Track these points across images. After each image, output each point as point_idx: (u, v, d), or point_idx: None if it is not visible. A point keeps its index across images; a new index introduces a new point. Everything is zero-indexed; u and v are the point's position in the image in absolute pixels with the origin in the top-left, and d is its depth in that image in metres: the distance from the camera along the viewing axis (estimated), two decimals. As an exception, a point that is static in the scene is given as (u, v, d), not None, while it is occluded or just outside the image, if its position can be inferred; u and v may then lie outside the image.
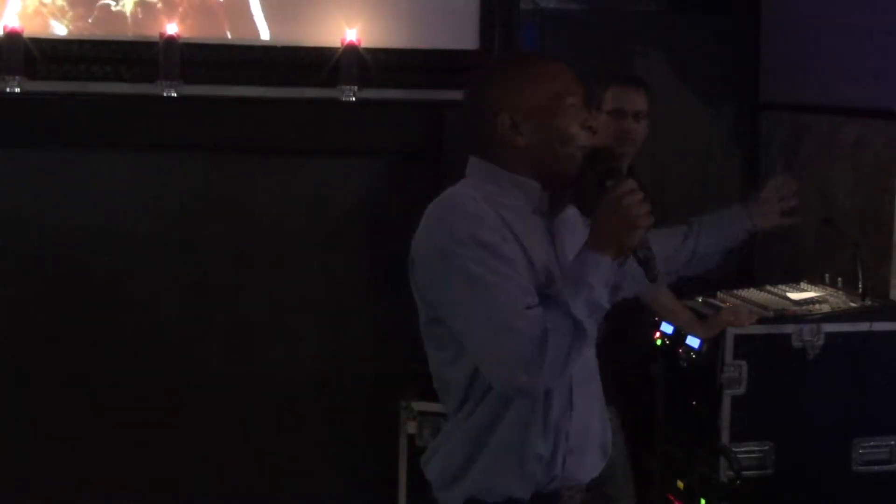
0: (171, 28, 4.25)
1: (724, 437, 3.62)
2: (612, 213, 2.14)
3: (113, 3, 4.32)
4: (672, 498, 3.87)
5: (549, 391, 2.18)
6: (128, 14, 4.33)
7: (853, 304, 3.85)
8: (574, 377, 2.24)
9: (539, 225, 2.25)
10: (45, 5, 4.30)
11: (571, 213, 2.37)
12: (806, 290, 4.02)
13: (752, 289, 4.05)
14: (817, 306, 3.80)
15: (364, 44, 4.37)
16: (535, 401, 2.17)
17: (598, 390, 2.37)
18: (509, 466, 2.21)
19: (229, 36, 4.42)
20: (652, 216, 2.15)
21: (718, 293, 3.94)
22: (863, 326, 3.70)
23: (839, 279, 4.03)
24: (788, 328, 3.65)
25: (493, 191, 2.20)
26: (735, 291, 3.99)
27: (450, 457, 2.27)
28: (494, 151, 2.23)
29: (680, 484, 3.83)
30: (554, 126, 2.21)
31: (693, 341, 3.71)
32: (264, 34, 4.43)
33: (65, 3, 4.31)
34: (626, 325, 3.69)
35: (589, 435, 2.30)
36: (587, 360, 2.29)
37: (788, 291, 3.99)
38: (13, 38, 4.16)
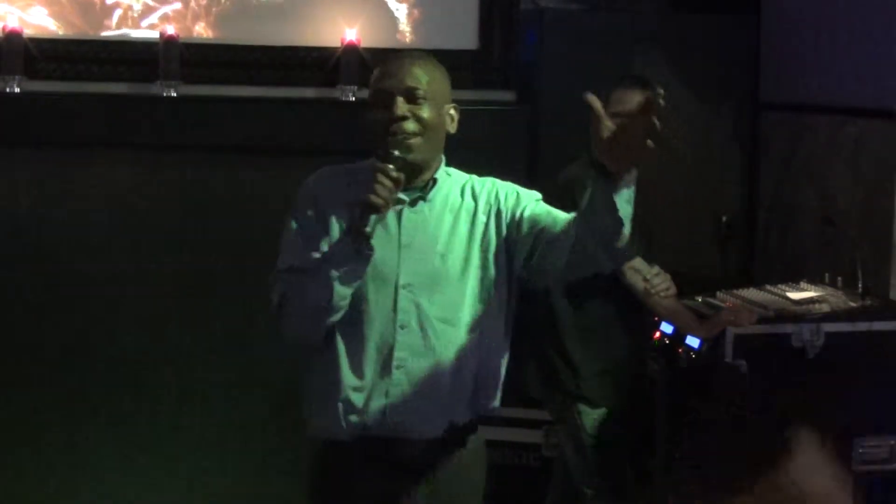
0: (171, 28, 4.25)
1: (724, 437, 3.62)
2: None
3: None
4: (672, 498, 3.87)
5: (361, 343, 2.47)
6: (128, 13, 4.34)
7: (853, 304, 3.85)
8: (400, 337, 2.46)
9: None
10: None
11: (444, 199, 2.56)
12: (806, 290, 4.02)
13: (752, 289, 4.05)
14: (817, 306, 3.80)
15: (364, 44, 4.37)
16: (312, 348, 2.51)
17: (447, 366, 2.49)
18: (322, 409, 2.52)
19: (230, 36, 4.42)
20: (383, 203, 2.36)
21: (718, 293, 3.94)
22: (863, 326, 3.70)
23: (839, 279, 4.03)
24: (788, 328, 3.65)
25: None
26: (735, 291, 3.99)
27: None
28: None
29: (680, 484, 3.83)
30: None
31: (693, 341, 3.71)
32: (265, 34, 4.43)
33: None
34: (625, 324, 3.71)
35: (423, 395, 2.47)
36: (429, 321, 2.47)
37: (788, 291, 3.99)
38: (13, 38, 4.16)
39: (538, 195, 2.58)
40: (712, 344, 3.64)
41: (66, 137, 4.28)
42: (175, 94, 4.27)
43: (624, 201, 2.29)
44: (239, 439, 4.41)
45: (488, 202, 2.55)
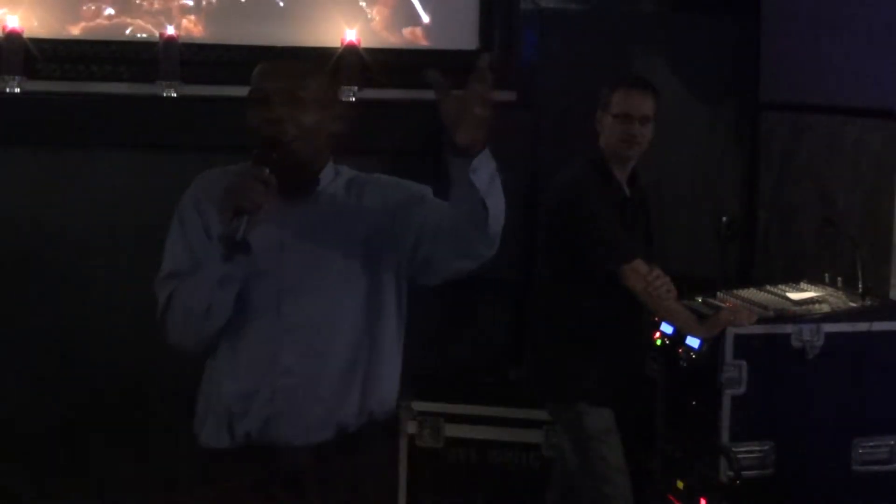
0: (171, 28, 4.25)
1: (724, 437, 3.62)
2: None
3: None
4: (672, 498, 3.87)
5: (245, 349, 2.42)
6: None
7: (853, 304, 3.85)
8: (285, 341, 2.41)
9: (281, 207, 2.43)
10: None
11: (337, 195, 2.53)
12: (806, 290, 4.02)
13: (752, 289, 4.05)
14: (817, 306, 3.80)
15: (364, 44, 4.37)
16: (190, 354, 2.48)
17: (335, 369, 2.44)
18: (209, 418, 2.49)
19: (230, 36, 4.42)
20: (249, 205, 2.30)
21: (718, 293, 3.94)
22: (863, 326, 3.70)
23: (839, 279, 4.03)
24: (788, 328, 3.65)
25: None
26: (735, 291, 3.99)
27: None
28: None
29: (680, 484, 3.83)
30: None
31: (693, 341, 3.71)
32: (264, 34, 4.42)
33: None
34: (625, 324, 3.71)
35: (308, 400, 2.42)
36: (314, 324, 2.42)
37: (788, 291, 3.99)
38: (13, 38, 4.16)
39: (425, 189, 2.54)
40: (712, 344, 3.63)
41: (66, 137, 4.28)
42: (175, 94, 4.27)
43: (485, 179, 2.21)
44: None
45: (374, 199, 2.51)
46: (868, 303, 3.85)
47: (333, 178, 2.55)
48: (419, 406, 4.16)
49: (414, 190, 2.53)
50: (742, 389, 3.61)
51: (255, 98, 2.49)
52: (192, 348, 2.48)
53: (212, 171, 2.61)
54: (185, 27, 4.37)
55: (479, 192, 2.21)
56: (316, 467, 2.45)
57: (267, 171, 2.36)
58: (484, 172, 2.22)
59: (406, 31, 4.51)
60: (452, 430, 4.20)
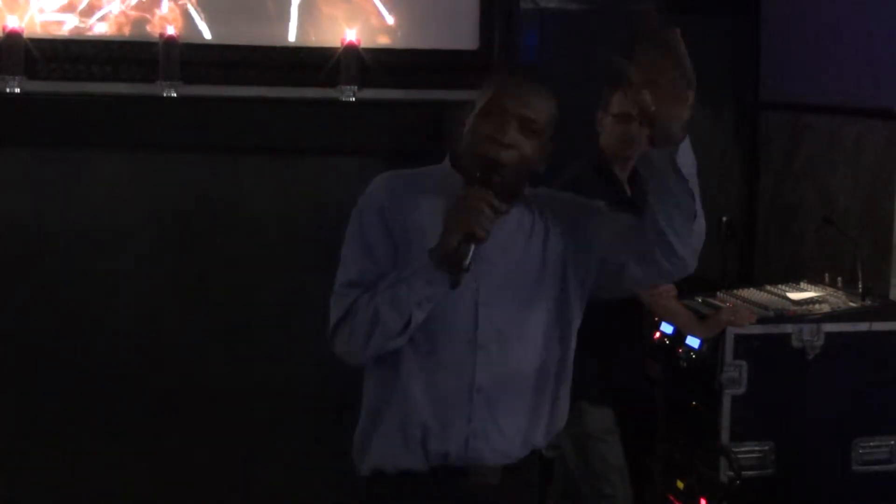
0: (171, 28, 4.25)
1: (724, 437, 3.62)
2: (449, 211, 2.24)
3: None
4: (672, 498, 3.88)
5: (438, 365, 2.29)
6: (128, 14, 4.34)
7: (853, 304, 3.85)
8: (480, 358, 2.29)
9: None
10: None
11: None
12: (806, 290, 4.02)
13: (752, 289, 4.05)
14: (817, 306, 3.80)
15: (364, 44, 4.37)
16: (399, 373, 2.30)
17: (527, 387, 2.36)
18: (396, 438, 2.33)
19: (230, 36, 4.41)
20: (485, 234, 2.18)
21: (718, 293, 3.94)
22: (863, 326, 3.71)
23: (839, 279, 4.04)
24: (788, 328, 3.66)
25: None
26: (735, 291, 3.99)
27: (358, 428, 2.43)
28: None
29: (680, 484, 3.83)
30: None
31: (693, 341, 3.72)
32: (264, 34, 4.42)
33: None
34: (625, 324, 3.71)
35: (505, 415, 2.33)
36: (511, 356, 2.32)
37: (788, 291, 3.99)
38: (13, 38, 4.16)
39: (600, 202, 2.47)
40: (712, 344, 3.64)
41: (66, 137, 4.28)
42: (175, 94, 4.27)
43: (691, 169, 2.19)
44: (237, 439, 4.41)
45: (556, 215, 2.41)
46: (868, 303, 3.85)
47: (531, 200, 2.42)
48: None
49: (590, 204, 2.46)
50: (742, 389, 3.62)
51: (489, 112, 2.30)
52: (362, 361, 2.35)
53: (396, 174, 2.42)
54: (186, 27, 4.36)
55: (688, 182, 2.17)
56: (508, 488, 2.36)
57: (492, 194, 2.20)
58: (688, 161, 2.19)
59: (406, 31, 4.50)
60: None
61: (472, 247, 2.16)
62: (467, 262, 2.16)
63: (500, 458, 2.34)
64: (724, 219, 4.68)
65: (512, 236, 2.34)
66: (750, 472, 3.62)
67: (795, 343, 3.65)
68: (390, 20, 4.49)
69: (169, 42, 4.23)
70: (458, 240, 2.16)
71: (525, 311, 2.33)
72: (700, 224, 2.27)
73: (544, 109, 2.37)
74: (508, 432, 2.33)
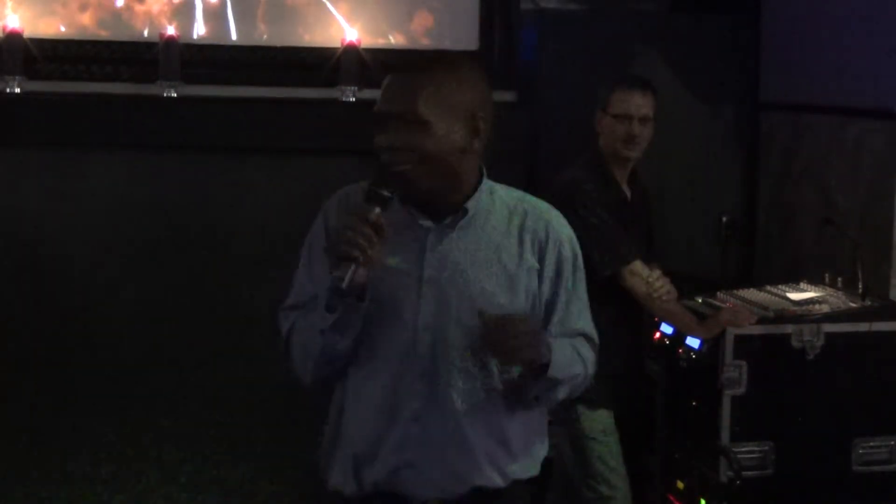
0: (171, 28, 4.25)
1: (724, 437, 3.62)
2: None
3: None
4: (672, 498, 3.87)
5: (366, 389, 2.21)
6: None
7: (853, 304, 3.85)
8: (417, 384, 2.18)
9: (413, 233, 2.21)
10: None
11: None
12: (806, 290, 4.02)
13: (752, 289, 4.05)
14: (817, 306, 3.80)
15: (364, 44, 4.37)
16: (318, 392, 2.28)
17: (480, 421, 2.23)
18: (334, 458, 2.28)
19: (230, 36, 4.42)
20: (358, 255, 2.05)
21: (718, 293, 3.94)
22: (863, 326, 3.70)
23: (839, 279, 4.03)
24: (788, 328, 3.65)
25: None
26: (735, 291, 3.99)
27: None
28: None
29: (680, 484, 3.83)
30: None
31: (693, 341, 3.71)
32: (265, 34, 4.42)
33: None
34: (625, 326, 3.71)
35: (442, 455, 2.20)
36: (452, 368, 2.19)
37: (788, 291, 3.99)
38: (13, 38, 4.16)
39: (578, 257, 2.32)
40: (712, 344, 3.64)
41: (66, 137, 4.28)
42: (175, 94, 4.27)
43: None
44: (235, 439, 4.41)
45: (543, 247, 2.24)
46: (868, 303, 3.85)
47: (486, 203, 2.22)
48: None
49: (567, 252, 2.28)
50: (742, 390, 3.61)
51: (375, 119, 2.14)
52: (311, 385, 2.27)
53: (353, 189, 2.28)
54: (186, 27, 4.36)
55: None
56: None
57: (377, 211, 2.04)
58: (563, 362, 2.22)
59: (406, 31, 4.50)
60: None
61: (352, 269, 2.01)
62: (344, 284, 2.01)
63: (429, 492, 2.23)
64: (724, 219, 4.68)
65: (471, 253, 2.20)
66: (750, 472, 3.61)
67: (795, 343, 3.65)
68: (391, 20, 4.49)
69: (169, 42, 4.24)
70: (333, 260, 2.04)
71: (470, 336, 2.17)
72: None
73: (419, 99, 2.11)
74: (443, 466, 2.22)
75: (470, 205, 2.20)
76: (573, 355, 2.29)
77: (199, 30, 4.40)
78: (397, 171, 2.10)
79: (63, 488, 4.30)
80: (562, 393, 2.28)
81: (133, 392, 4.35)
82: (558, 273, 2.27)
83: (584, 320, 2.37)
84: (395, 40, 4.49)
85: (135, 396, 4.36)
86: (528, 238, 2.24)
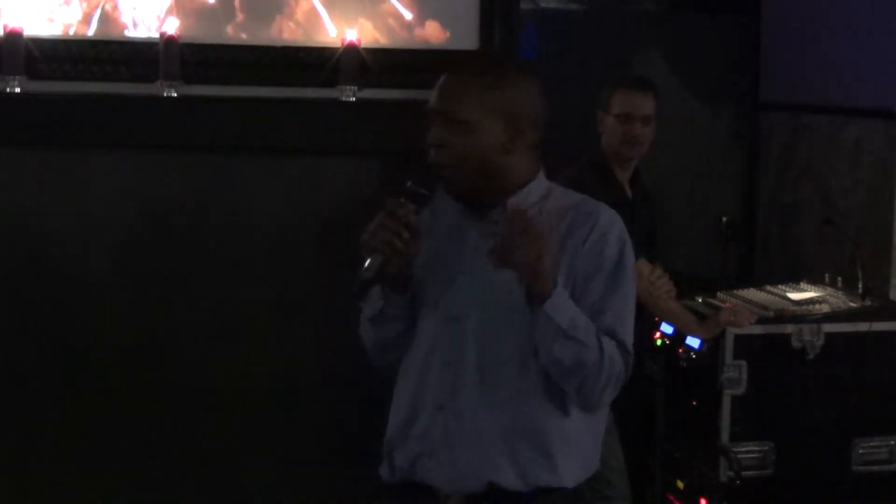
0: (171, 28, 4.24)
1: (724, 437, 3.62)
2: None
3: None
4: (672, 498, 3.88)
5: (402, 379, 2.30)
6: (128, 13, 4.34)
7: (853, 304, 3.85)
8: (444, 374, 2.21)
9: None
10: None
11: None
12: (806, 290, 4.02)
13: (752, 289, 4.05)
14: (817, 306, 3.80)
15: (364, 44, 4.37)
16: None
17: (508, 418, 2.20)
18: (382, 445, 2.36)
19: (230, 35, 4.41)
20: (383, 249, 2.13)
21: (718, 293, 3.94)
22: (863, 326, 3.70)
23: (839, 279, 4.03)
24: (788, 328, 3.66)
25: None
26: (735, 291, 3.99)
27: None
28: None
29: (680, 484, 3.83)
30: None
31: (693, 341, 3.72)
32: (265, 34, 4.42)
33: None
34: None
35: (459, 446, 2.20)
36: (481, 360, 2.18)
37: (788, 291, 3.99)
38: (13, 38, 4.15)
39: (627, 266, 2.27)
40: (712, 344, 3.64)
41: (66, 137, 4.28)
42: (175, 94, 4.26)
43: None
44: (233, 440, 4.41)
45: (583, 244, 2.22)
46: (868, 303, 3.85)
47: (535, 202, 2.20)
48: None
49: (610, 252, 2.24)
50: (742, 390, 3.62)
51: (425, 117, 2.22)
52: (380, 371, 2.35)
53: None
54: (186, 27, 4.36)
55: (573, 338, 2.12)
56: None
57: (412, 207, 2.12)
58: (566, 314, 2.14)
59: (406, 31, 4.49)
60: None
61: (379, 260, 2.09)
62: (370, 275, 2.09)
63: (450, 484, 2.23)
64: (724, 219, 4.68)
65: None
66: (750, 472, 3.62)
67: (795, 343, 3.65)
68: (391, 20, 4.49)
69: (169, 42, 4.23)
70: (364, 251, 2.12)
71: (512, 330, 2.18)
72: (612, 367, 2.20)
73: (460, 99, 2.19)
74: (463, 459, 2.21)
75: (512, 201, 2.20)
76: (588, 329, 2.14)
77: (199, 30, 4.39)
78: (436, 168, 2.19)
79: (63, 488, 4.31)
80: (565, 355, 2.11)
81: (133, 392, 4.35)
82: (597, 270, 2.23)
83: (619, 322, 2.23)
84: (394, 40, 4.49)
85: (134, 396, 4.35)
86: (574, 235, 2.23)
